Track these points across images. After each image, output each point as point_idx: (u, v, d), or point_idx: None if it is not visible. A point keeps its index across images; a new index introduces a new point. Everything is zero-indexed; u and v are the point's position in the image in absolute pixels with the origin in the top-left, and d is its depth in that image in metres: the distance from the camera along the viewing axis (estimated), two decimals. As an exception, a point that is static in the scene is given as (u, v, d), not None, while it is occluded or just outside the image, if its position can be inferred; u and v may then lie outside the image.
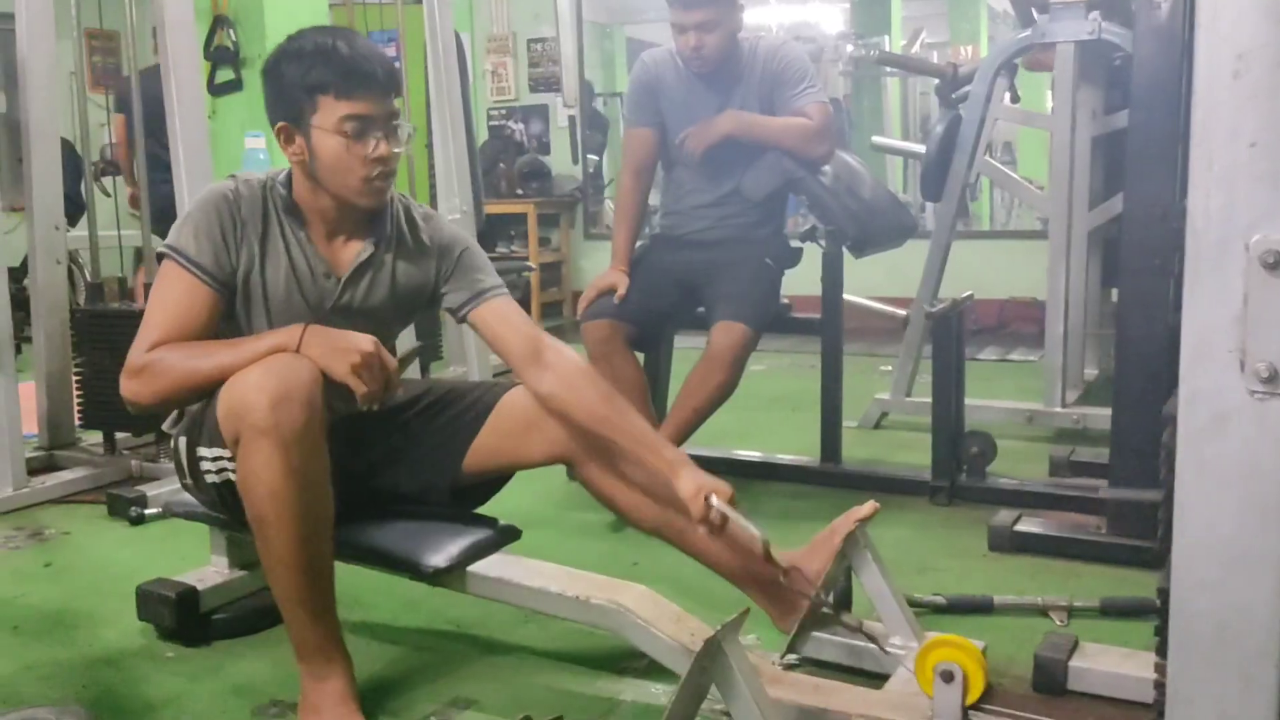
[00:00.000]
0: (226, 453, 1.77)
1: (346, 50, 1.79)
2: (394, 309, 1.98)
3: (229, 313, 1.87)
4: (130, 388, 1.77)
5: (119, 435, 3.47)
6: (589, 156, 7.54)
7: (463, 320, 1.99)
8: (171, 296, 1.80)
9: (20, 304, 3.42)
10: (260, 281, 1.86)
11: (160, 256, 1.84)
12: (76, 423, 3.53)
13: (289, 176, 1.90)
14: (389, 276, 1.94)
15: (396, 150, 1.84)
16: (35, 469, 3.32)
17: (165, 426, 1.99)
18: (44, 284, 3.41)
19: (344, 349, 1.70)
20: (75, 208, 4.15)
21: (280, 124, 1.85)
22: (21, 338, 3.40)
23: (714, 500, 1.73)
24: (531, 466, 1.99)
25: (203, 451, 1.82)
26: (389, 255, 1.94)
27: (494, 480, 2.05)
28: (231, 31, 4.53)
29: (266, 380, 1.65)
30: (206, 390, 1.75)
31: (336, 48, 1.79)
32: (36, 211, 3.39)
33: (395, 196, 1.96)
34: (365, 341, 1.72)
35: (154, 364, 1.75)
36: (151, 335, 1.77)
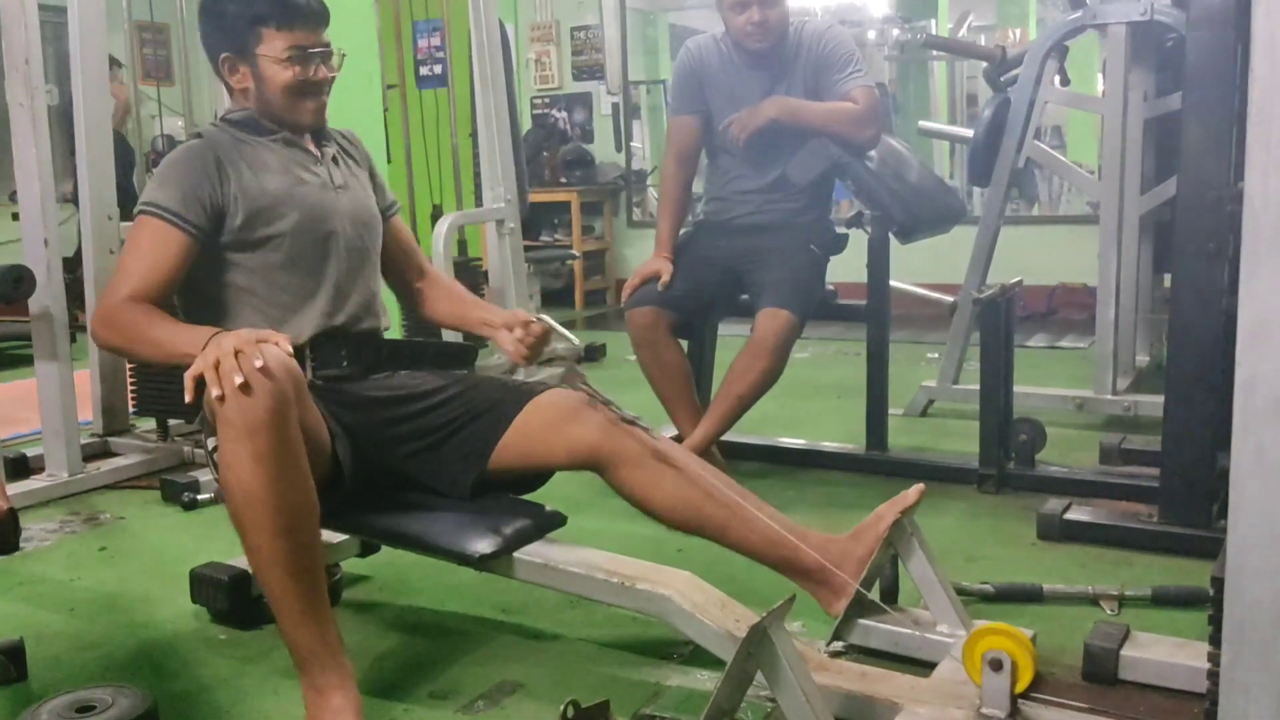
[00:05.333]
0: None
1: None
2: (370, 199, 2.15)
3: (219, 247, 1.94)
4: (94, 328, 1.89)
5: (172, 422, 3.54)
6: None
7: (385, 221, 2.21)
8: (139, 241, 1.91)
9: (75, 293, 3.48)
10: (263, 190, 1.97)
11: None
12: (130, 409, 3.60)
13: (236, 107, 2.06)
14: (351, 174, 2.13)
15: (332, 75, 2.03)
16: (90, 455, 3.39)
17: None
18: (97, 273, 3.46)
19: (212, 352, 1.61)
20: (127, 198, 4.21)
21: (224, 55, 2.01)
22: (75, 326, 3.46)
23: (540, 316, 1.92)
24: (557, 469, 1.99)
25: (211, 443, 1.80)
26: (344, 159, 2.14)
27: (521, 480, 2.03)
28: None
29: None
30: (152, 362, 1.85)
31: None
32: (89, 202, 3.45)
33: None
34: (239, 340, 1.62)
35: (116, 317, 1.83)
36: (121, 283, 1.86)
